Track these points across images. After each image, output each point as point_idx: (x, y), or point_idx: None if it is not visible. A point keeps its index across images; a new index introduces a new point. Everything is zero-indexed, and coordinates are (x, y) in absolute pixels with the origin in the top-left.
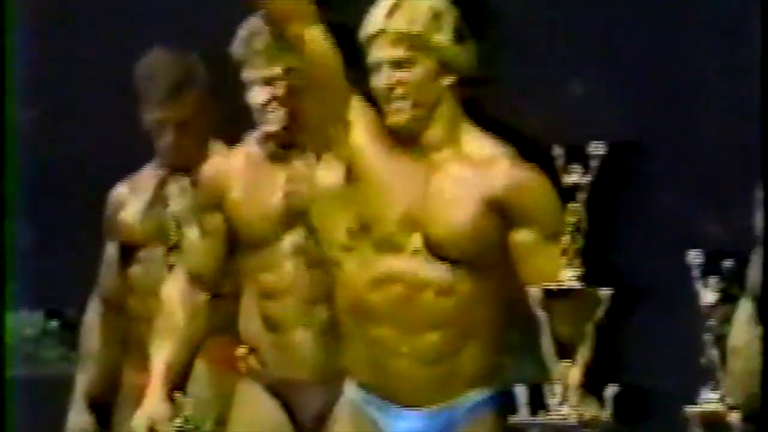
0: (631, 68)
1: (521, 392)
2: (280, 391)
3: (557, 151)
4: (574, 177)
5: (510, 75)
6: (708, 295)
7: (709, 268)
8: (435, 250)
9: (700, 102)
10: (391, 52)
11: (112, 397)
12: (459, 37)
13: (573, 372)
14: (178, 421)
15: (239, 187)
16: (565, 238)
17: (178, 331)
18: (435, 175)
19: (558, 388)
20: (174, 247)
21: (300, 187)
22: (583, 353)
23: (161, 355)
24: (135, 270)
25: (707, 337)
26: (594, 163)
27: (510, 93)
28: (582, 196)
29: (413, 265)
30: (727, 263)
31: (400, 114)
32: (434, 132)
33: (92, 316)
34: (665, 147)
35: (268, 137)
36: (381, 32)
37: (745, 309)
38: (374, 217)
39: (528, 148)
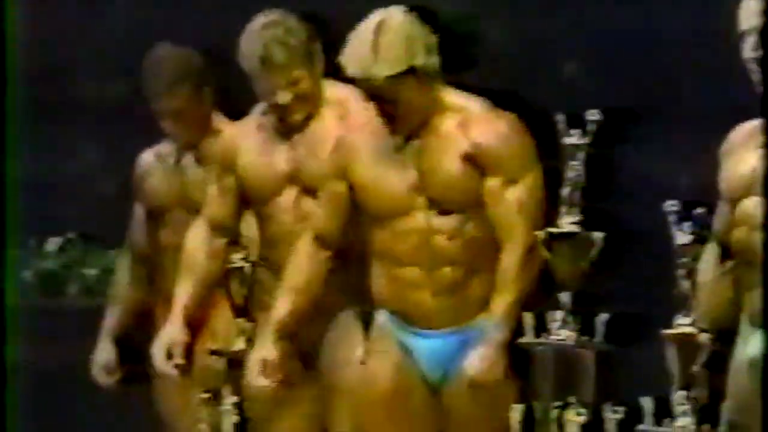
0: (622, 48)
1: (527, 318)
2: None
3: (559, 117)
4: (573, 139)
5: (519, 56)
6: (682, 237)
7: (683, 215)
8: (436, 206)
9: (678, 77)
10: (378, 91)
11: (137, 335)
12: (430, 48)
13: None
14: (240, 342)
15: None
16: (566, 191)
17: (197, 269)
18: (426, 140)
19: (558, 315)
20: None
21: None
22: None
23: (182, 289)
24: (164, 232)
25: (681, 272)
26: (590, 128)
27: (520, 70)
28: (580, 155)
29: (424, 219)
30: (698, 211)
31: (401, 128)
32: (421, 114)
33: (122, 264)
34: (649, 114)
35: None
36: (366, 77)
37: (710, 251)
38: (386, 202)
39: (534, 116)
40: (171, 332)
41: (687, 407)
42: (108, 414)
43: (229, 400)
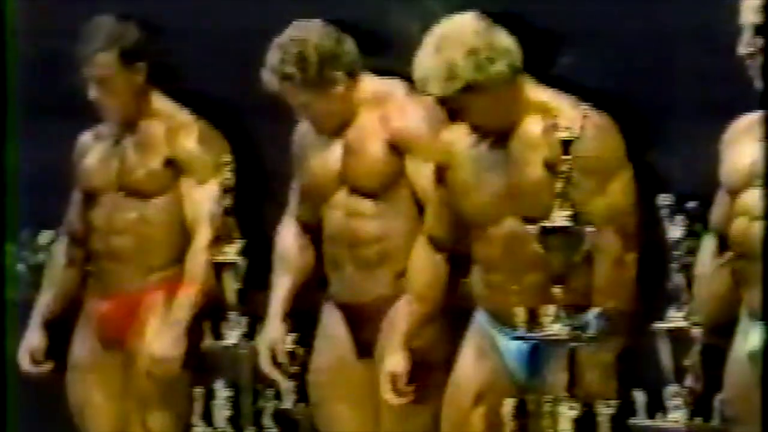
0: (618, 41)
1: (520, 313)
2: None
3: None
4: (566, 133)
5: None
6: (675, 231)
7: (676, 208)
8: (522, 214)
9: (673, 71)
10: (445, 104)
11: (68, 318)
12: (498, 55)
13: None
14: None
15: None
16: (559, 184)
17: (292, 265)
18: (512, 146)
19: (551, 309)
20: (229, 190)
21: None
22: None
23: (278, 286)
24: (96, 212)
25: (674, 266)
26: None
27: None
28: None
29: (513, 227)
30: (691, 204)
31: (485, 134)
32: (500, 120)
33: (58, 248)
34: (644, 108)
35: None
36: (426, 94)
37: (708, 243)
38: (476, 209)
39: None
40: (271, 333)
41: (679, 401)
42: None
43: (223, 393)
